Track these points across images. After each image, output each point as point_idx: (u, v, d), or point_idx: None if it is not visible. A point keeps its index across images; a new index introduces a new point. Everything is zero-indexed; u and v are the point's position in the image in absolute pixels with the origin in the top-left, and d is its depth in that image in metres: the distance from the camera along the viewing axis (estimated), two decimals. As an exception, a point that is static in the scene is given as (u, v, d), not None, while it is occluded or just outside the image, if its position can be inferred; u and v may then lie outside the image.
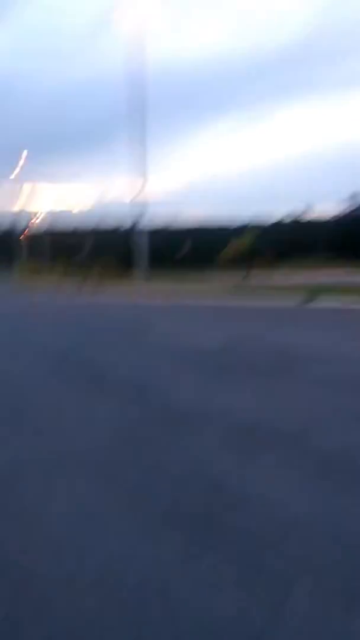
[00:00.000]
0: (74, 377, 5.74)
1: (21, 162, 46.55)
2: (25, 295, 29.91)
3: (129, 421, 3.91)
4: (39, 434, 3.61)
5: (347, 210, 45.87)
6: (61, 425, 3.84)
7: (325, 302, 13.96)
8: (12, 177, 45.58)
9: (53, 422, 3.93)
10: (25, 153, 46.64)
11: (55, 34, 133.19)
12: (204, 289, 22.01)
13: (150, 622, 1.61)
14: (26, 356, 7.18)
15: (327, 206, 53.61)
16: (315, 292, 15.20)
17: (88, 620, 1.62)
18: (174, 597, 1.74)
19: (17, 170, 46.45)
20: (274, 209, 63.93)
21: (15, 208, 48.38)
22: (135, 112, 33.95)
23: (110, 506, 2.45)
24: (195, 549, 2.04)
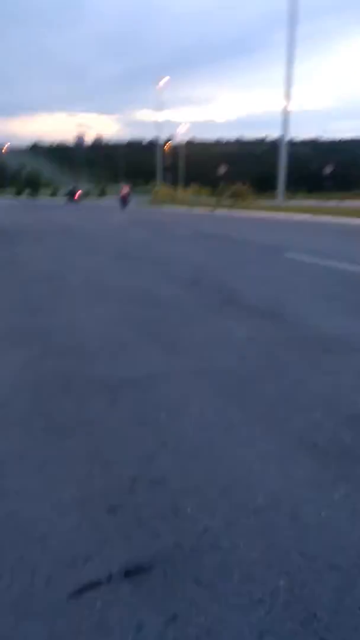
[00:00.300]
0: (209, 295, 5.80)
1: (163, 81, 45.88)
2: (162, 209, 30.68)
3: (267, 344, 3.89)
4: (174, 350, 3.75)
5: None
6: (197, 342, 3.95)
7: None
8: (158, 87, 45.26)
9: (188, 339, 4.05)
10: (166, 78, 45.99)
11: None
12: (347, 209, 20.43)
13: (278, 541, 1.65)
14: (161, 273, 7.40)
15: None
16: None
17: (218, 528, 1.70)
18: (304, 521, 1.75)
19: (161, 83, 45.83)
20: None
21: (159, 118, 48.14)
22: (288, 19, 31.32)
23: (245, 422, 2.50)
24: (328, 476, 2.02)
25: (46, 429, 2.46)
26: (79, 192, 45.22)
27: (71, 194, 43.56)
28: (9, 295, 5.45)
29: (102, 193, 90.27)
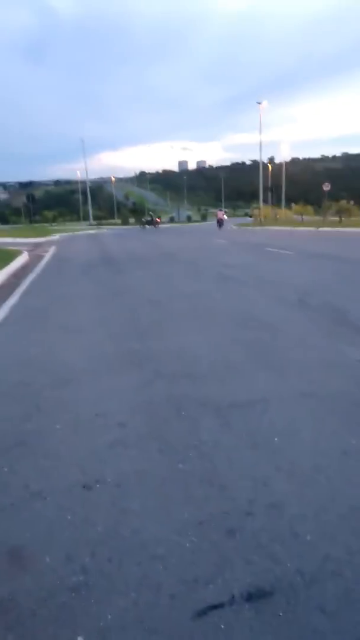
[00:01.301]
0: (319, 317, 5.68)
1: (264, 104, 46.27)
2: (264, 229, 30.53)
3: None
4: (284, 373, 3.72)
5: None
6: (307, 365, 3.89)
7: None
8: (260, 108, 45.72)
9: (298, 362, 3.99)
10: (265, 102, 46.41)
11: None
12: None
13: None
14: (269, 292, 7.37)
15: None
16: None
17: (340, 556, 1.66)
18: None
19: (262, 106, 46.23)
20: None
21: (260, 140, 48.58)
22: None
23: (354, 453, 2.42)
24: None
25: (162, 450, 2.57)
26: (158, 220, 47.50)
27: (149, 222, 45.69)
28: (121, 321, 5.76)
29: (204, 218, 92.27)
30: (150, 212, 56.06)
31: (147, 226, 45.98)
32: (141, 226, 47.14)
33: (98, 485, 2.26)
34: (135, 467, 2.42)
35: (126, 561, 1.76)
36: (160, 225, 47.79)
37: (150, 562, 1.75)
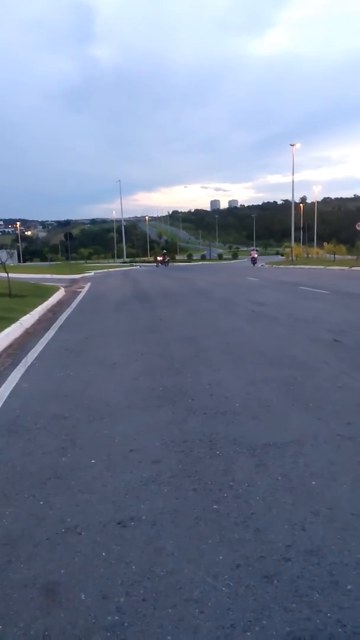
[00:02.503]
0: (355, 356, 5.59)
1: (296, 146, 47.14)
2: (296, 268, 30.46)
3: None
4: (320, 413, 3.65)
5: None
6: (344, 405, 3.81)
7: None
8: (293, 149, 46.43)
9: (334, 402, 3.92)
10: (298, 144, 47.44)
11: None
12: None
13: None
14: (303, 330, 7.31)
15: None
16: None
17: None
18: None
19: (294, 148, 47.00)
20: None
21: (292, 180, 49.06)
22: None
23: None
24: None
25: (196, 489, 2.54)
26: (167, 259, 48.61)
27: (162, 261, 46.78)
28: (155, 356, 5.79)
29: (235, 256, 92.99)
30: (164, 251, 56.77)
31: (159, 264, 46.33)
32: (157, 264, 47.57)
33: (132, 523, 2.24)
34: (169, 505, 2.39)
35: (161, 602, 1.73)
36: (187, 263, 48.48)
37: (185, 604, 1.71)
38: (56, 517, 2.31)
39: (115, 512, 2.34)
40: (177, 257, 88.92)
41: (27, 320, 8.70)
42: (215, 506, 2.36)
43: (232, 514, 2.28)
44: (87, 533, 2.17)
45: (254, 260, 45.61)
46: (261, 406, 3.84)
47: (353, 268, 29.83)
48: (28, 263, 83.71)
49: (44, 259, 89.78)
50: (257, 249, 63.57)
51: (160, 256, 50.01)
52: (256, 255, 47.79)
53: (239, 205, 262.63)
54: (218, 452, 2.98)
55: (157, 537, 2.12)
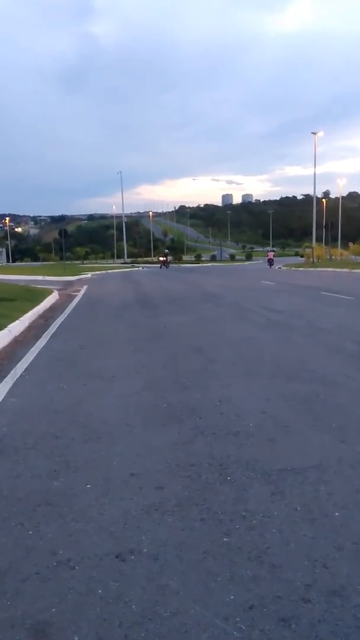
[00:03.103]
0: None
1: (318, 134, 47.32)
2: (317, 271, 30.42)
3: None
4: (343, 435, 3.64)
5: None
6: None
7: None
8: (315, 137, 46.55)
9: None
10: (320, 132, 47.80)
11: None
12: None
13: None
14: (325, 341, 7.29)
15: None
16: None
17: None
18: None
19: (316, 137, 47.10)
20: None
21: (313, 173, 49.15)
22: None
23: None
24: None
25: (204, 520, 2.53)
26: (169, 259, 49.36)
27: (165, 262, 47.31)
28: (158, 369, 5.78)
29: (248, 257, 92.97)
30: (166, 251, 57.16)
31: (163, 266, 46.62)
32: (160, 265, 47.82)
33: (132, 556, 2.23)
34: (174, 537, 2.38)
35: (165, 647, 1.72)
36: (194, 264, 48.69)
37: (192, 650, 1.70)
38: (47, 549, 2.31)
39: (113, 544, 2.33)
40: (184, 258, 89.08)
41: (16, 327, 8.72)
42: (225, 539, 2.34)
43: (244, 548, 2.26)
44: (81, 567, 2.17)
45: (270, 262, 46.97)
46: (278, 426, 3.83)
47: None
48: (18, 263, 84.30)
49: (35, 258, 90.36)
50: (274, 249, 64.07)
51: (162, 256, 50.26)
52: (273, 257, 49.28)
53: (253, 200, 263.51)
54: (229, 478, 2.97)
55: (160, 573, 2.11)
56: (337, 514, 2.53)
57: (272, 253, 52.01)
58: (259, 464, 3.14)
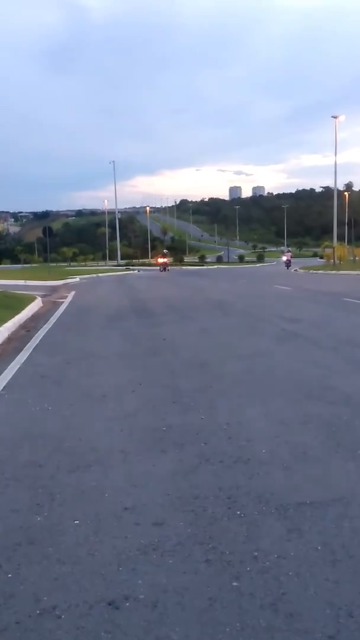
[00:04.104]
0: None
1: (340, 118, 47.57)
2: (339, 273, 30.47)
3: None
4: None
5: None
6: None
7: None
8: (337, 118, 46.82)
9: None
10: (342, 116, 48.10)
11: None
12: None
13: None
14: (349, 355, 7.29)
15: None
16: None
17: None
18: None
19: (337, 121, 47.37)
20: None
21: (334, 163, 49.43)
22: None
23: None
24: None
25: (210, 561, 2.52)
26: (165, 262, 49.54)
27: (165, 265, 47.65)
28: (157, 388, 5.79)
29: (260, 258, 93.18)
30: (165, 251, 57.57)
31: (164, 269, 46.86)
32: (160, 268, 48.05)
33: (127, 603, 2.23)
34: (175, 581, 2.37)
35: None
36: (197, 267, 48.46)
37: None
38: (29, 595, 2.30)
39: (105, 590, 2.32)
40: (187, 259, 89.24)
41: (-6, 338, 8.75)
42: (235, 583, 2.34)
43: (257, 593, 2.26)
44: (68, 616, 2.16)
45: (288, 263, 47.82)
46: (294, 453, 3.83)
47: None
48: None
49: (16, 260, 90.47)
50: (290, 249, 64.15)
51: (161, 256, 50.41)
52: (290, 257, 50.08)
53: (265, 194, 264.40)
54: (238, 512, 2.97)
55: (159, 623, 2.11)
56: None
57: (290, 253, 52.73)
58: (273, 497, 3.14)
